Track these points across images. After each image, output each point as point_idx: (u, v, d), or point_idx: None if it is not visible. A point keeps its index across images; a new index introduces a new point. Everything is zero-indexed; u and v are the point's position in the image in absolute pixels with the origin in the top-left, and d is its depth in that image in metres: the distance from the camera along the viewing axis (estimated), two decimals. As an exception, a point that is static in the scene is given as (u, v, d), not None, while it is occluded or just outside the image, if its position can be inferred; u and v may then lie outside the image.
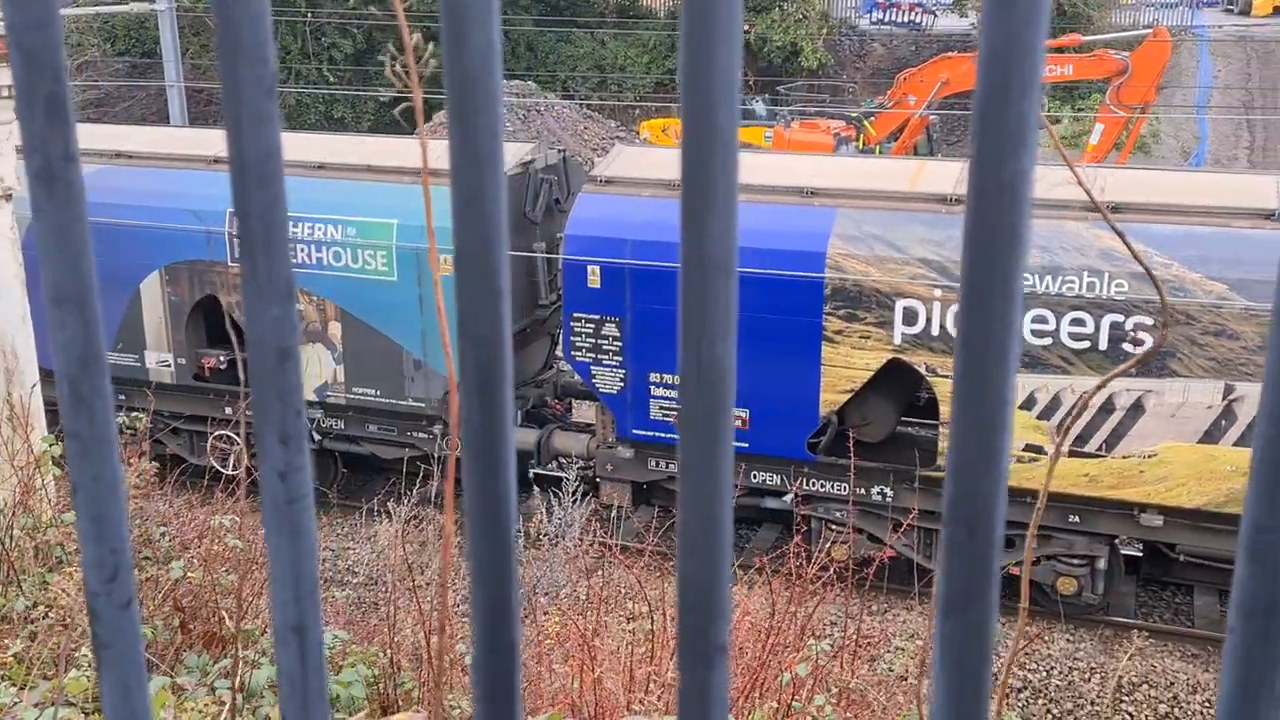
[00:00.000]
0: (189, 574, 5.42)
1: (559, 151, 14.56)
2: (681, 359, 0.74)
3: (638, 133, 31.31)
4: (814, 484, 12.82)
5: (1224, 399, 10.94)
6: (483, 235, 0.75)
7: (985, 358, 0.66)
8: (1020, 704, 11.65)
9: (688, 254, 0.71)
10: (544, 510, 10.60)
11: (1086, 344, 11.26)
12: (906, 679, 7.63)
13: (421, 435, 13.85)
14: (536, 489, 13.65)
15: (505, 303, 0.77)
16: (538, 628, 7.45)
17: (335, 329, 13.75)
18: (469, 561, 0.82)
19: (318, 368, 13.90)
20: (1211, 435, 11.05)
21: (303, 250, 13.39)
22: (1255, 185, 11.71)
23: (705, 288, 0.70)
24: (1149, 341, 11.00)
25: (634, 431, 13.00)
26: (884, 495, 12.45)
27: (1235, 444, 10.96)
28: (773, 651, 3.97)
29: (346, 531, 13.94)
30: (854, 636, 5.48)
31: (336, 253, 13.39)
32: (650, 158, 13.79)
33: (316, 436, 14.24)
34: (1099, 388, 2.88)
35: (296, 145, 14.44)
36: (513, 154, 13.93)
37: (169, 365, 14.32)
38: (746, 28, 34.11)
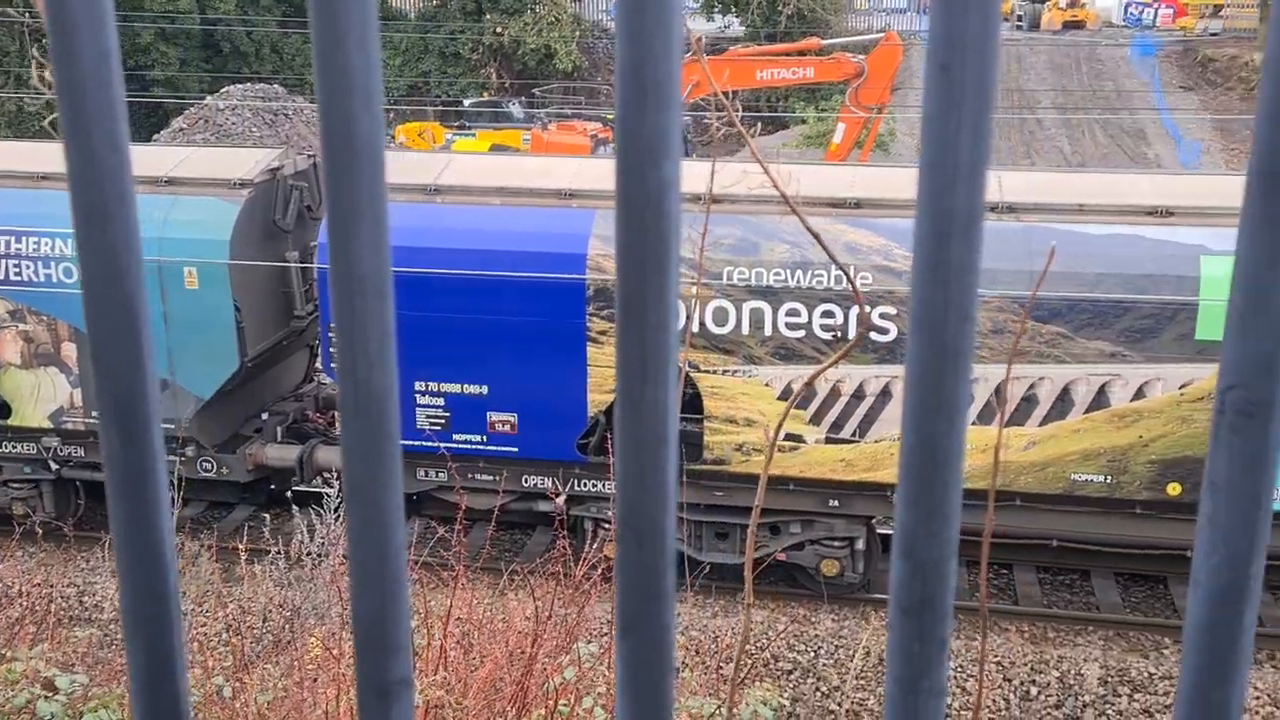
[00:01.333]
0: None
1: (309, 157, 14.10)
2: (340, 386, 0.70)
3: (393, 137, 30.75)
4: (586, 484, 12.90)
5: (961, 381, 11.65)
6: (110, 259, 0.68)
7: (644, 371, 0.64)
8: (791, 685, 12.08)
9: (336, 274, 0.67)
10: (305, 529, 10.25)
11: (837, 334, 11.77)
12: (680, 672, 7.76)
13: (171, 458, 13.14)
14: (296, 508, 13.18)
15: (144, 330, 0.71)
16: (303, 650, 7.18)
17: (69, 350, 12.86)
18: (123, 615, 0.75)
19: (52, 392, 12.98)
20: (952, 415, 11.75)
21: (28, 267, 12.46)
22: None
23: (355, 309, 0.66)
24: (893, 330, 11.60)
25: (400, 442, 12.71)
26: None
27: (974, 423, 11.69)
28: (536, 659, 3.94)
29: (91, 565, 13.08)
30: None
31: (67, 269, 12.52)
32: (402, 162, 13.54)
33: (54, 465, 13.29)
34: (808, 382, 3.00)
35: (18, 155, 13.42)
36: (260, 161, 13.41)
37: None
38: (499, 31, 34.02)
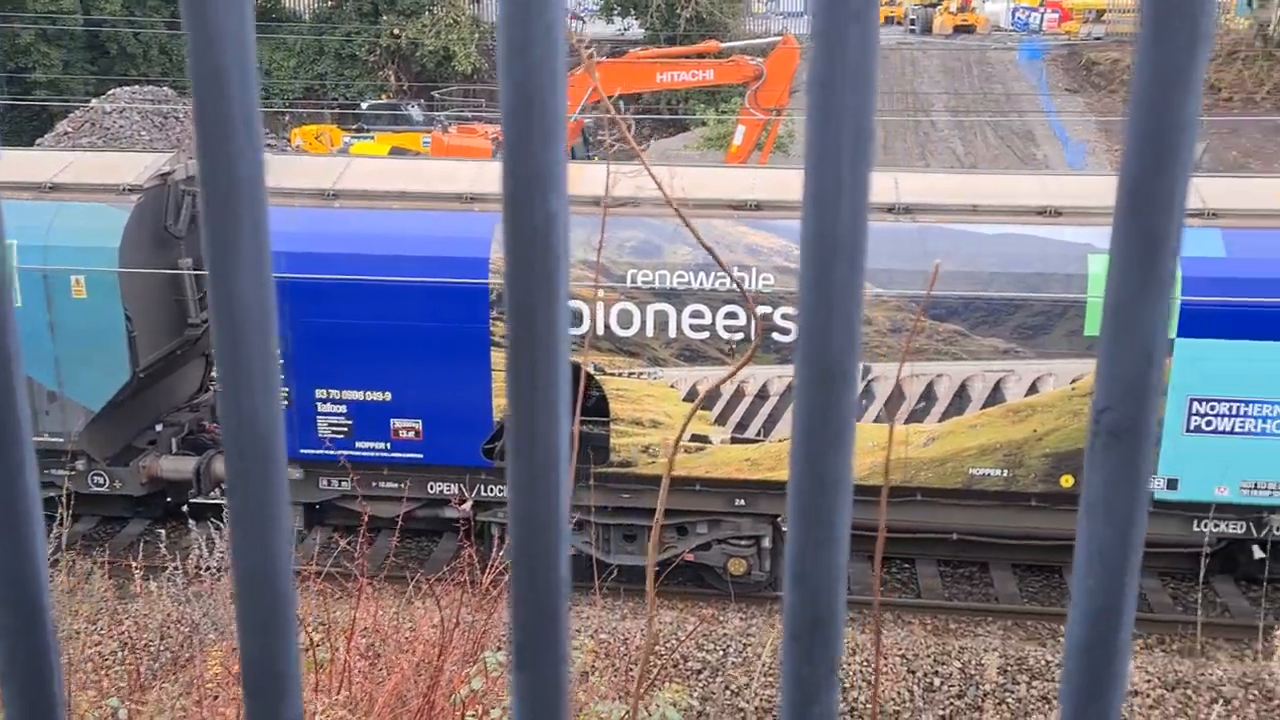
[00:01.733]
0: None
1: (201, 162, 13.75)
2: (222, 417, 0.68)
3: (289, 140, 30.21)
4: (492, 490, 12.81)
5: (863, 380, 11.84)
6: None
7: (534, 402, 0.64)
8: (700, 684, 12.15)
9: (217, 304, 0.66)
10: (203, 543, 9.99)
11: (740, 335, 11.87)
12: (588, 675, 7.76)
13: (61, 473, 12.72)
14: (193, 521, 12.87)
15: (10, 341, 0.68)
16: (202, 668, 7.00)
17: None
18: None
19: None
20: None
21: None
22: (878, 181, 12.72)
23: (238, 339, 0.65)
24: (795, 331, 11.72)
25: (302, 451, 12.51)
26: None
27: (874, 421, 11.89)
28: (442, 670, 3.90)
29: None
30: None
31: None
32: (300, 166, 13.30)
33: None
34: (703, 397, 3.01)
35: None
36: (150, 165, 13.06)
37: None
38: (397, 33, 33.62)
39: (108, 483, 13.32)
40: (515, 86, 0.58)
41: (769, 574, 13.13)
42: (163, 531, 12.89)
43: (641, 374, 12.09)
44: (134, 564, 7.95)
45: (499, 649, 5.13)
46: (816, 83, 0.63)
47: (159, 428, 13.79)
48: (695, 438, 12.23)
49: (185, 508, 12.90)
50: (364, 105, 32.49)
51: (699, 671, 12.24)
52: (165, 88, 29.55)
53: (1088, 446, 0.65)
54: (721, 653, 12.44)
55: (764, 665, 12.19)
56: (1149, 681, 11.76)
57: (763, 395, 12.02)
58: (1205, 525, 11.77)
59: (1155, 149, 0.60)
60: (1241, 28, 34.59)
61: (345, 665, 4.11)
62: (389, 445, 12.45)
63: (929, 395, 11.85)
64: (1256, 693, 11.52)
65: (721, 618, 12.90)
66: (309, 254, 11.85)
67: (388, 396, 12.29)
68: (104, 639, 12.12)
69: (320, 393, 12.30)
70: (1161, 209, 0.60)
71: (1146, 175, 0.62)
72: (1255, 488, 11.61)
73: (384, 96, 34.82)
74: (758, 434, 12.17)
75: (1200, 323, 11.18)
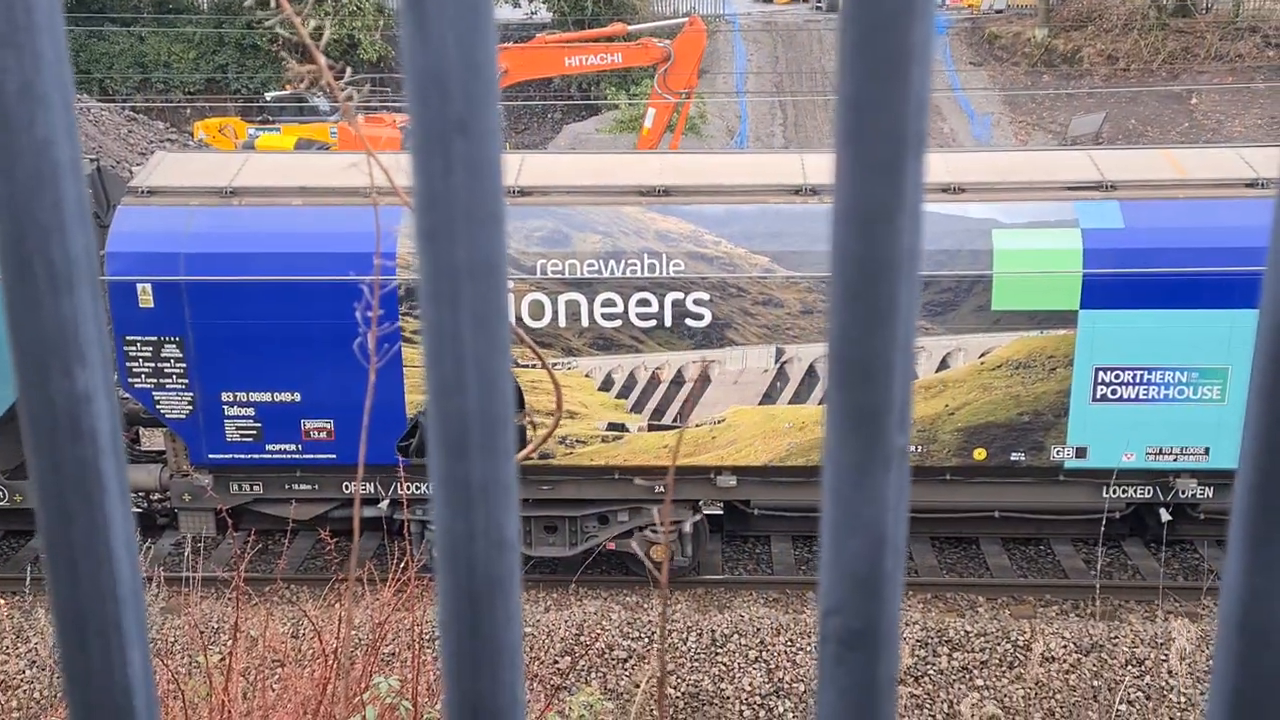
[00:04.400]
0: None
1: (92, 161, 13.32)
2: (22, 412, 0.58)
3: (192, 134, 29.48)
4: (410, 487, 12.62)
5: (777, 362, 11.87)
6: None
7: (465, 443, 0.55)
8: (627, 672, 12.14)
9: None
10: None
11: (653, 322, 11.82)
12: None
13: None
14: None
15: None
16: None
17: None
18: None
19: None
20: (770, 396, 11.98)
21: None
22: (785, 163, 12.77)
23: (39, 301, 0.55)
24: (708, 316, 11.72)
25: (210, 456, 12.21)
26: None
27: (790, 402, 11.94)
28: (336, 699, 3.79)
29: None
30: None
31: None
32: (197, 164, 12.93)
33: None
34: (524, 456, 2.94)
35: None
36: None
37: None
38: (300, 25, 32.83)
39: (8, 496, 12.89)
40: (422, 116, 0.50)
41: (692, 559, 13.15)
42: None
43: (556, 364, 11.99)
44: (38, 578, 7.68)
45: (390, 674, 5.01)
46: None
47: (60, 438, 13.35)
48: (612, 426, 12.17)
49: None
50: (268, 96, 31.75)
51: (625, 660, 12.22)
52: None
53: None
54: (647, 640, 12.44)
55: (690, 651, 12.21)
56: (1065, 647, 12.00)
57: (678, 381, 12.00)
58: (1113, 491, 12.02)
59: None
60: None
61: (222, 704, 3.97)
62: (300, 447, 12.20)
63: (843, 375, 11.91)
64: (1168, 653, 11.83)
65: (645, 605, 12.90)
66: (208, 254, 11.54)
67: (297, 397, 12.03)
68: (10, 658, 11.75)
69: (227, 396, 12.00)
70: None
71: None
72: (1160, 453, 11.88)
73: (288, 87, 34.07)
74: (675, 420, 12.14)
75: (1102, 293, 11.39)
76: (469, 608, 0.58)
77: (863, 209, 0.47)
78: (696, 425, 12.15)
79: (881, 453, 0.50)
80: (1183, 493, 12.10)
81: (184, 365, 11.82)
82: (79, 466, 0.55)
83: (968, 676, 11.92)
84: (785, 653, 12.15)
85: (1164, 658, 11.77)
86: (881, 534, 0.52)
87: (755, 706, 11.87)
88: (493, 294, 0.60)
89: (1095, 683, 11.77)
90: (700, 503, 12.90)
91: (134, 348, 11.75)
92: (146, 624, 0.62)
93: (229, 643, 5.96)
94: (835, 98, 0.49)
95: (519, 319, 11.85)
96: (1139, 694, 11.71)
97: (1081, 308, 11.41)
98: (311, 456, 12.26)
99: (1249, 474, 0.52)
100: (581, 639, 12.28)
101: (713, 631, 12.33)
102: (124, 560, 0.57)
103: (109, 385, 0.57)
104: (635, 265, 11.70)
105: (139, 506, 13.59)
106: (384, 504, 12.44)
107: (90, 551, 0.56)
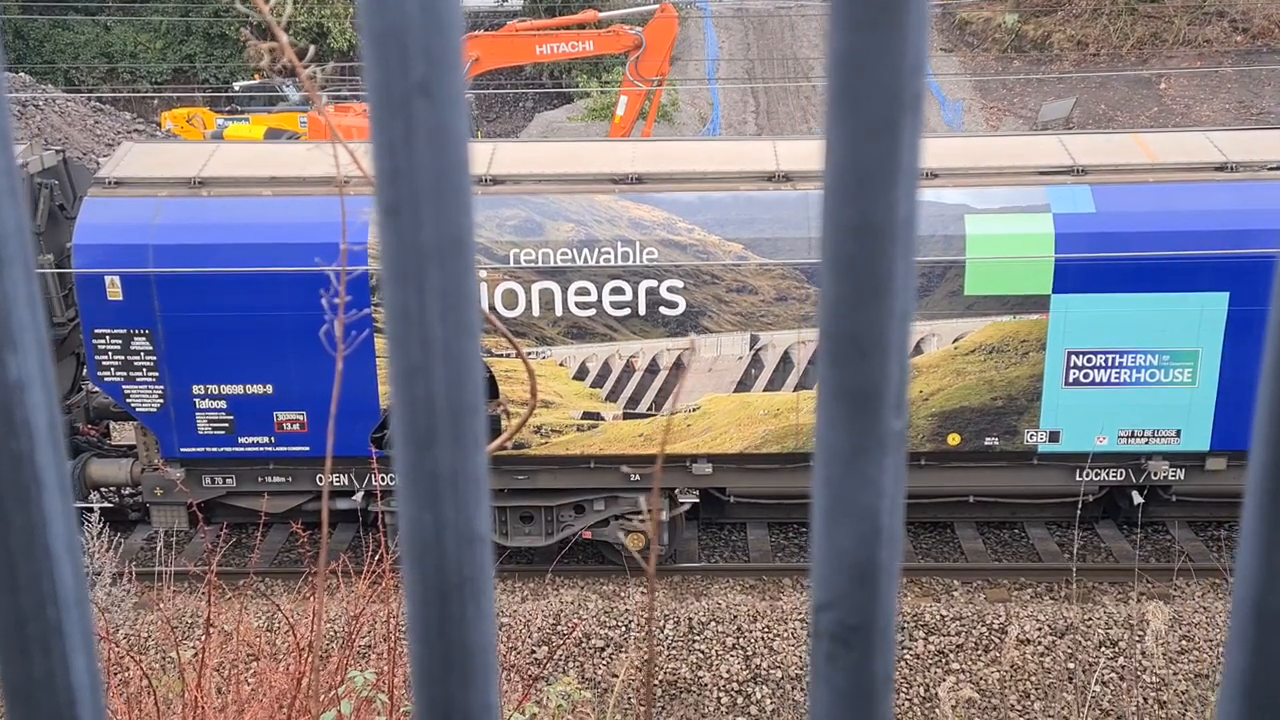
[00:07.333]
0: None
1: (57, 152, 13.13)
2: None
3: (160, 124, 29.18)
4: (384, 478, 12.54)
5: (751, 349, 11.86)
6: None
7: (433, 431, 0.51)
8: (605, 661, 12.12)
9: None
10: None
11: (627, 310, 11.78)
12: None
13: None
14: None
15: None
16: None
17: None
18: None
19: None
20: (744, 384, 11.96)
21: None
22: (758, 150, 12.74)
23: None
24: (682, 304, 11.69)
25: (182, 450, 12.09)
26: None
27: (765, 389, 11.93)
28: (311, 694, 3.74)
29: None
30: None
31: None
32: (164, 155, 12.77)
33: None
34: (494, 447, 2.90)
35: None
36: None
37: None
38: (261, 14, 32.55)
39: None
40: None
41: (668, 547, 13.14)
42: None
43: (530, 354, 11.93)
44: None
45: (366, 667, 4.97)
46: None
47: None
48: (588, 415, 12.13)
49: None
50: (237, 85, 31.45)
51: (602, 649, 12.20)
52: (21, 74, 28.24)
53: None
54: (624, 629, 12.42)
55: (667, 639, 12.21)
56: (1040, 630, 12.07)
57: (653, 370, 11.97)
58: (1086, 474, 12.09)
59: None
60: (1106, -15, 35.44)
61: (195, 702, 3.92)
62: (273, 439, 12.10)
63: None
64: (1142, 634, 11.91)
65: (622, 593, 12.88)
66: (177, 245, 11.41)
67: (269, 389, 11.93)
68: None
69: (198, 389, 11.88)
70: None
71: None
72: (1133, 435, 11.95)
73: (257, 76, 33.77)
74: (650, 409, 12.12)
75: (1074, 277, 11.43)
76: (438, 606, 0.54)
77: (857, 173, 0.43)
78: (672, 413, 12.12)
79: (876, 435, 0.47)
80: (1155, 475, 12.17)
81: (154, 358, 11.69)
82: (13, 461, 0.50)
83: (944, 660, 11.98)
84: (762, 639, 12.16)
85: (1138, 639, 11.86)
86: (876, 523, 0.48)
87: (733, 693, 11.89)
88: (460, 273, 0.56)
89: (1070, 664, 11.85)
90: (676, 491, 12.88)
91: (103, 341, 11.62)
92: (93, 628, 0.58)
93: (202, 638, 5.89)
94: (825, 51, 0.45)
95: (492, 308, 11.78)
96: (1113, 675, 11.80)
97: (1054, 292, 11.45)
98: (285, 449, 12.16)
99: (1263, 454, 0.49)
100: (559, 628, 12.25)
101: (690, 619, 12.33)
102: (65, 561, 0.53)
103: (46, 372, 0.53)
104: (609, 253, 11.65)
105: (110, 501, 13.45)
106: (358, 496, 12.36)
107: (28, 553, 0.52)
